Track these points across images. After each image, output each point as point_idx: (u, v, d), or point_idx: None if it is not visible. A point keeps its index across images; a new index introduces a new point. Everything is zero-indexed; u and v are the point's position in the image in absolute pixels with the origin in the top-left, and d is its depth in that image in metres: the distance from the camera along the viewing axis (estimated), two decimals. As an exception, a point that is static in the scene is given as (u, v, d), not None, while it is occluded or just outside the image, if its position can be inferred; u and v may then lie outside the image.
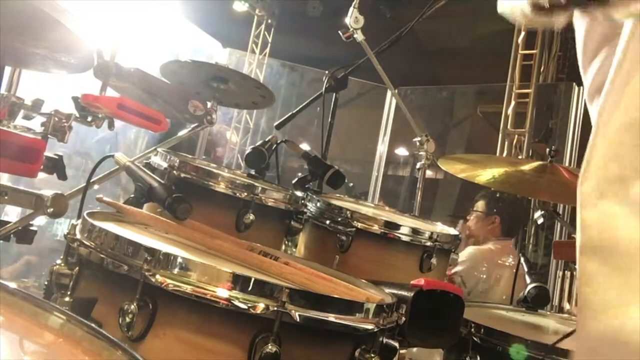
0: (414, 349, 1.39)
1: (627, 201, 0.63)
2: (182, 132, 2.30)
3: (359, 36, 2.17)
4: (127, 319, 0.88)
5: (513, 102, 6.44)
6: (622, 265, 0.63)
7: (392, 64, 2.45)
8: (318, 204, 1.78)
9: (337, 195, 2.04)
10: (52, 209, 1.37)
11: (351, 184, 4.42)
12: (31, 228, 1.45)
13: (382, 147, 6.18)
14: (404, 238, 1.65)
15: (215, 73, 1.98)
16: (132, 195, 1.32)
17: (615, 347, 0.60)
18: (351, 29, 2.16)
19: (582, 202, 0.67)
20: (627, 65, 0.68)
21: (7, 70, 1.47)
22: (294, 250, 1.85)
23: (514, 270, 2.44)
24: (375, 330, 0.98)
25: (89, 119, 1.51)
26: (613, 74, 0.68)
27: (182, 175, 1.60)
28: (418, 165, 2.43)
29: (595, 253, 0.65)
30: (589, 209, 0.66)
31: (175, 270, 0.91)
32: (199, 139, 6.07)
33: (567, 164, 4.69)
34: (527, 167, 2.26)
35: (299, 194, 1.77)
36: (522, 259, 2.22)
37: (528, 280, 2.04)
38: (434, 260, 1.64)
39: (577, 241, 0.67)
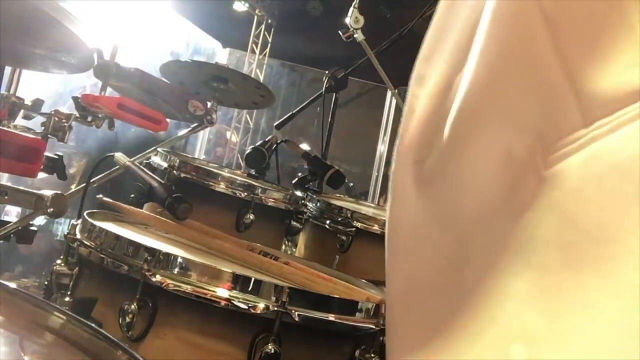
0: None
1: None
2: (182, 132, 2.30)
3: (359, 36, 2.17)
4: (127, 319, 0.89)
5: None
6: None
7: (392, 64, 2.44)
8: (318, 204, 1.78)
9: (337, 195, 2.04)
10: (52, 209, 1.36)
11: (351, 184, 4.42)
12: (31, 228, 1.45)
13: (382, 147, 6.18)
14: (404, 238, 1.65)
15: (215, 73, 1.98)
16: (132, 195, 1.32)
17: None
18: (351, 29, 2.16)
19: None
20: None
21: (7, 70, 1.47)
22: (294, 250, 1.85)
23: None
24: (375, 330, 0.98)
25: (89, 119, 1.51)
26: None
27: (182, 175, 1.60)
28: (418, 165, 2.43)
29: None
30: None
31: (175, 270, 0.91)
32: (199, 139, 6.07)
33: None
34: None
35: (299, 194, 1.77)
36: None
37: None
38: (434, 260, 1.64)
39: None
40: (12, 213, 3.09)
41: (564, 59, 0.46)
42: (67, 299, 0.98)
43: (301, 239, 1.83)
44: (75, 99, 1.50)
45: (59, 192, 1.40)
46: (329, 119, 2.42)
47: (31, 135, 1.38)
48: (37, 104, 1.45)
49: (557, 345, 0.43)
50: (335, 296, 0.98)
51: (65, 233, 1.06)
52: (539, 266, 0.45)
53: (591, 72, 0.44)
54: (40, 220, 2.62)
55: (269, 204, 1.64)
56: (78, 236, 1.03)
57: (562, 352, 0.43)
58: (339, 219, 1.68)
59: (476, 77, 0.53)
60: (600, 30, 0.45)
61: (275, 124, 2.52)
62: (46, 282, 1.03)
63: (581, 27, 0.46)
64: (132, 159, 1.45)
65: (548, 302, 0.44)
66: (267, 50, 6.22)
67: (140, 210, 1.31)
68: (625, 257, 0.41)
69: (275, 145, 1.94)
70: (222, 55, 6.30)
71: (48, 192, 1.38)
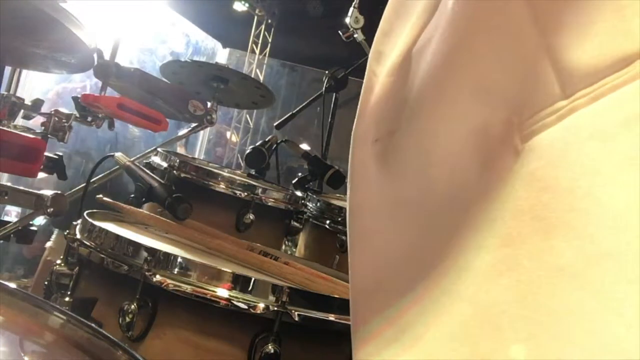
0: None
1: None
2: (182, 132, 2.30)
3: (359, 36, 2.17)
4: (127, 319, 0.89)
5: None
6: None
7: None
8: (318, 204, 1.78)
9: (337, 195, 2.04)
10: (52, 209, 1.36)
11: (351, 184, 4.41)
12: (31, 228, 1.45)
13: (382, 147, 6.17)
14: (404, 238, 1.65)
15: (215, 73, 1.98)
16: (132, 195, 1.32)
17: None
18: (351, 29, 2.16)
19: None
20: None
21: (7, 70, 1.47)
22: (294, 250, 1.85)
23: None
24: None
25: (89, 119, 1.51)
26: None
27: (182, 175, 1.60)
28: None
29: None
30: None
31: (175, 270, 0.91)
32: (199, 138, 6.07)
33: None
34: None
35: (299, 194, 1.77)
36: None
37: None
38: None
39: None
40: (12, 213, 3.10)
41: (542, 29, 0.44)
42: (67, 299, 0.98)
43: (301, 239, 1.83)
44: (75, 99, 1.50)
45: (59, 192, 1.40)
46: (329, 119, 2.42)
47: (31, 135, 1.38)
48: (37, 104, 1.45)
49: (528, 316, 0.41)
50: (335, 296, 0.98)
51: (65, 233, 1.06)
52: (508, 236, 0.43)
53: (571, 43, 0.42)
54: (40, 220, 2.62)
55: (269, 204, 1.64)
56: (78, 236, 1.03)
57: (534, 324, 0.41)
58: (339, 219, 1.68)
59: (444, 47, 0.50)
60: None
61: (275, 124, 2.52)
62: (46, 282, 1.03)
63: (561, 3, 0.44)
64: (132, 159, 1.45)
65: (516, 272, 0.42)
66: (267, 50, 6.21)
67: (140, 210, 1.31)
68: (597, 213, 0.40)
69: (275, 145, 1.94)
70: (222, 55, 6.30)
71: (48, 192, 1.38)
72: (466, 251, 0.45)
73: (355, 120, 0.61)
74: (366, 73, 0.61)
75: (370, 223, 0.58)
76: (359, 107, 0.61)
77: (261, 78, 6.02)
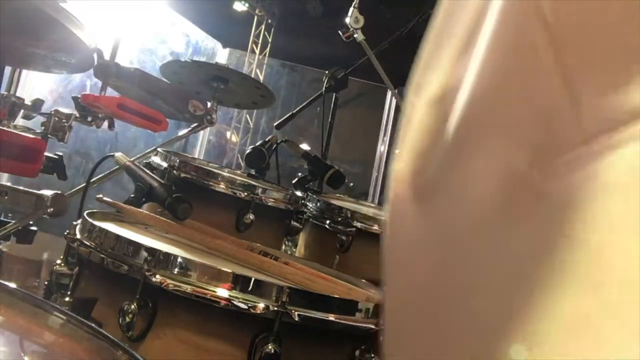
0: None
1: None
2: (182, 132, 2.30)
3: (359, 36, 2.17)
4: (127, 319, 0.88)
5: (513, 102, 6.42)
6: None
7: (392, 64, 2.44)
8: (318, 204, 1.78)
9: (337, 195, 2.04)
10: (52, 209, 1.36)
11: (351, 184, 4.42)
12: (31, 228, 1.45)
13: (382, 147, 6.19)
14: (404, 238, 1.65)
15: (215, 73, 1.98)
16: (132, 195, 1.32)
17: None
18: (351, 29, 2.16)
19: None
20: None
21: (7, 70, 1.47)
22: (294, 250, 1.85)
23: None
24: (375, 330, 0.98)
25: (89, 119, 1.51)
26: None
27: (182, 175, 1.60)
28: (418, 165, 2.43)
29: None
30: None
31: (175, 270, 0.91)
32: (199, 139, 6.07)
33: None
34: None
35: (299, 194, 1.77)
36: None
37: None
38: (434, 260, 1.64)
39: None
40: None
41: (567, 77, 0.45)
42: (67, 299, 0.98)
43: (301, 239, 1.83)
44: (75, 99, 1.50)
45: (59, 192, 1.40)
46: (329, 119, 2.42)
47: (31, 135, 1.38)
48: (37, 104, 1.45)
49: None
50: (335, 296, 0.98)
51: (65, 233, 1.06)
52: (530, 280, 0.44)
53: (594, 93, 0.44)
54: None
55: (269, 204, 1.64)
56: (78, 236, 1.03)
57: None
58: (339, 219, 1.68)
59: (478, 89, 0.52)
60: (607, 52, 0.44)
61: (275, 124, 2.52)
62: (46, 282, 1.03)
63: (587, 49, 0.45)
64: (132, 159, 1.45)
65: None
66: (267, 50, 6.21)
67: (140, 210, 1.31)
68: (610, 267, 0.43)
69: (275, 145, 1.94)
70: (222, 55, 6.30)
71: (48, 192, 1.38)
72: (491, 290, 0.47)
73: (396, 150, 0.63)
74: (406, 105, 0.63)
75: (406, 254, 0.60)
76: (399, 137, 0.63)
77: (261, 78, 6.02)
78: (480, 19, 0.56)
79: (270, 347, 0.87)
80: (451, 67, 0.59)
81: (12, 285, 0.68)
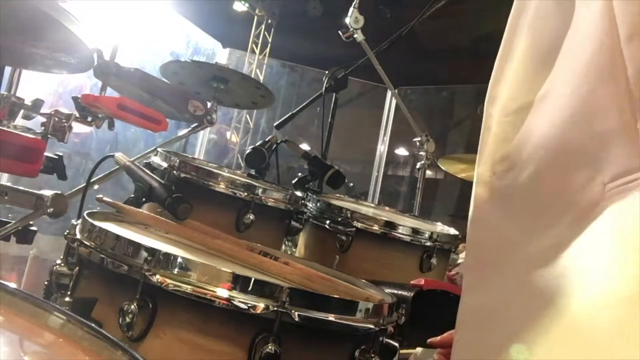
0: (418, 349, 1.39)
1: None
2: (182, 132, 2.30)
3: (359, 36, 2.17)
4: (127, 319, 0.88)
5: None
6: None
7: (392, 64, 2.45)
8: (318, 204, 1.78)
9: (337, 195, 2.04)
10: (52, 209, 1.36)
11: (351, 184, 4.42)
12: (31, 228, 1.45)
13: (382, 147, 6.19)
14: (404, 238, 1.65)
15: (215, 73, 1.98)
16: (132, 195, 1.32)
17: None
18: (351, 29, 2.16)
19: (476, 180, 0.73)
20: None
21: (7, 70, 1.47)
22: (294, 250, 1.85)
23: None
24: (375, 330, 0.98)
25: (89, 119, 1.51)
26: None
27: (182, 175, 1.60)
28: (418, 165, 2.44)
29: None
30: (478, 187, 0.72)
31: (175, 270, 0.91)
32: (199, 139, 6.07)
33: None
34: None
35: (299, 194, 1.77)
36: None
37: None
38: (434, 260, 1.64)
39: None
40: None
41: (636, 117, 0.54)
42: (67, 299, 0.98)
43: (301, 239, 1.83)
44: (75, 99, 1.50)
45: (59, 192, 1.40)
46: (329, 119, 2.42)
47: (31, 135, 1.38)
48: (37, 104, 1.45)
49: None
50: (335, 296, 0.98)
51: (65, 233, 1.06)
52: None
53: None
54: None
55: (269, 204, 1.64)
56: (78, 236, 1.03)
57: None
58: (339, 219, 1.68)
59: (559, 112, 0.61)
60: None
61: (275, 124, 2.52)
62: (46, 282, 1.03)
63: None
64: (132, 159, 1.45)
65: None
66: (267, 50, 6.21)
67: (140, 210, 1.31)
68: None
69: (275, 145, 1.94)
70: (222, 55, 6.30)
71: (48, 192, 1.38)
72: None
73: (477, 157, 0.73)
74: (484, 116, 0.73)
75: (493, 251, 0.70)
76: (480, 144, 0.73)
77: (261, 78, 6.02)
78: (556, 46, 0.63)
79: (270, 347, 0.87)
80: (529, 82, 0.66)
81: (12, 285, 0.68)
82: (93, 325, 0.64)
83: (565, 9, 0.63)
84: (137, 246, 0.95)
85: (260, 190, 1.62)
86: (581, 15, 0.61)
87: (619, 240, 0.53)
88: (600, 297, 0.52)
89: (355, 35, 2.17)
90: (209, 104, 2.00)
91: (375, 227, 1.65)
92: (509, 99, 0.69)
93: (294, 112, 2.46)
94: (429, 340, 0.93)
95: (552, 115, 0.61)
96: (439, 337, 0.91)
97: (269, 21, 6.11)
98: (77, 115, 1.48)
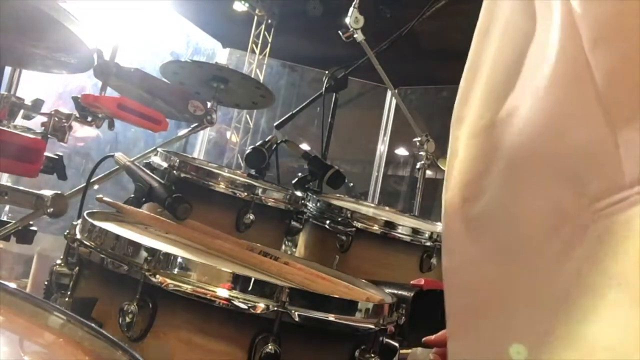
0: (418, 350, 1.39)
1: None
2: (182, 132, 2.30)
3: (359, 36, 2.17)
4: (127, 319, 0.88)
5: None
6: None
7: (392, 64, 2.44)
8: (318, 204, 1.78)
9: (337, 195, 2.04)
10: (52, 209, 1.36)
11: (351, 184, 4.42)
12: (31, 228, 1.45)
13: (382, 147, 6.19)
14: (404, 238, 1.65)
15: (215, 73, 1.98)
16: (132, 195, 1.32)
17: None
18: (351, 29, 2.16)
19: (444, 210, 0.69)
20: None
21: (7, 70, 1.47)
22: (294, 250, 1.85)
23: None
24: (375, 330, 0.98)
25: (89, 119, 1.51)
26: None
27: (182, 175, 1.60)
28: (418, 165, 2.44)
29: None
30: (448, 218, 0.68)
31: (175, 270, 0.91)
32: (199, 139, 6.07)
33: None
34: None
35: (299, 194, 1.77)
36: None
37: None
38: (434, 260, 1.64)
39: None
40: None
41: (612, 128, 0.50)
42: (67, 299, 0.98)
43: (301, 239, 1.83)
44: (75, 99, 1.50)
45: (59, 192, 1.40)
46: (329, 119, 2.42)
47: (31, 135, 1.38)
48: (37, 104, 1.45)
49: None
50: (335, 296, 0.98)
51: (65, 233, 1.06)
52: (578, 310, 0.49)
53: (634, 139, 0.48)
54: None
55: (269, 204, 1.64)
56: (78, 236, 1.03)
57: None
58: (339, 219, 1.68)
59: (529, 129, 0.56)
60: None
61: (275, 124, 2.52)
62: (46, 282, 1.03)
63: (630, 104, 0.50)
64: (132, 159, 1.45)
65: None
66: (267, 50, 6.21)
67: (140, 210, 1.31)
68: None
69: (275, 145, 1.94)
70: (222, 55, 6.30)
71: (48, 192, 1.38)
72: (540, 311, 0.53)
73: (444, 183, 0.68)
74: (450, 139, 0.68)
75: (463, 276, 0.66)
76: (446, 172, 0.68)
77: (261, 78, 6.02)
78: (520, 59, 0.60)
79: (270, 347, 0.87)
80: (494, 99, 0.63)
81: (12, 285, 0.68)
82: (93, 325, 0.64)
83: (529, 20, 0.59)
84: (137, 246, 0.95)
85: (260, 190, 1.62)
86: (542, 24, 0.57)
87: (619, 271, 0.48)
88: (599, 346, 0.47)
89: (355, 35, 2.17)
90: (209, 104, 2.00)
91: (375, 227, 1.65)
92: (476, 118, 0.64)
93: (294, 112, 2.46)
94: (424, 339, 0.91)
95: (521, 131, 0.57)
96: (433, 336, 0.89)
97: (269, 21, 6.11)
98: (77, 115, 1.48)
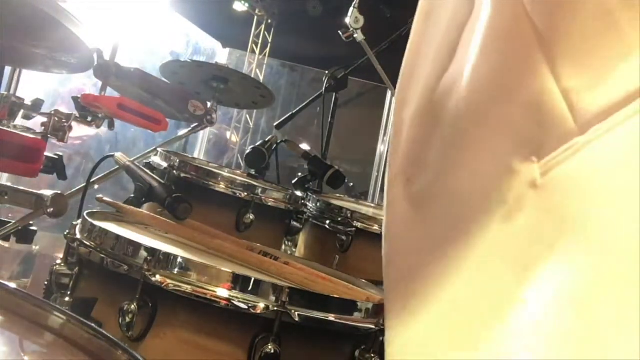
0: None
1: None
2: (182, 132, 2.30)
3: (359, 36, 2.17)
4: (127, 319, 0.88)
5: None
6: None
7: (392, 64, 2.44)
8: (318, 204, 1.78)
9: (337, 195, 2.04)
10: (52, 209, 1.36)
11: (351, 184, 4.42)
12: (31, 228, 1.45)
13: (382, 147, 6.18)
14: (404, 238, 1.65)
15: (215, 73, 1.98)
16: (132, 195, 1.32)
17: None
18: (351, 29, 2.16)
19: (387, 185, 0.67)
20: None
21: (7, 70, 1.47)
22: (294, 250, 1.85)
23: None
24: (375, 330, 0.98)
25: (89, 119, 1.51)
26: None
27: (182, 175, 1.60)
28: (418, 165, 2.43)
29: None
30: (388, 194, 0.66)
31: (175, 270, 0.91)
32: (199, 139, 6.07)
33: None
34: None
35: (299, 194, 1.77)
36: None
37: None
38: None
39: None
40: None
41: (557, 75, 0.48)
42: (67, 299, 0.98)
43: (301, 239, 1.83)
44: (75, 99, 1.50)
45: (59, 192, 1.40)
46: (329, 119, 2.42)
47: (31, 135, 1.38)
48: (37, 104, 1.45)
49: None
50: (335, 296, 0.98)
51: (65, 233, 1.06)
52: (531, 263, 0.47)
53: (586, 86, 0.47)
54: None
55: (269, 204, 1.64)
56: (78, 236, 1.03)
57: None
58: (339, 219, 1.68)
59: (471, 95, 0.54)
60: (591, 45, 0.47)
61: (275, 124, 2.52)
62: (46, 282, 1.03)
63: (573, 44, 0.48)
64: (132, 159, 1.45)
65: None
66: (267, 50, 6.21)
67: (140, 210, 1.31)
68: (608, 239, 0.43)
69: (275, 145, 1.94)
70: (222, 55, 6.29)
71: (48, 192, 1.38)
72: (493, 279, 0.50)
73: (388, 163, 0.66)
74: (394, 120, 0.66)
75: (405, 255, 0.64)
76: (390, 150, 0.66)
77: (261, 78, 6.02)
78: (458, 31, 0.58)
79: (270, 347, 0.87)
80: (430, 78, 0.61)
81: (12, 285, 0.68)
82: (93, 325, 0.64)
83: (468, 2, 0.57)
84: (137, 246, 0.95)
85: (260, 190, 1.62)
86: (479, 3, 0.56)
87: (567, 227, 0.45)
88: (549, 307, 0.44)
89: (355, 35, 2.17)
90: (209, 104, 2.00)
91: (375, 227, 1.65)
92: (419, 99, 0.62)
93: (294, 112, 2.46)
94: None
95: (463, 99, 0.54)
96: None
97: (269, 21, 6.11)
98: (77, 115, 1.48)
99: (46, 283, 1.03)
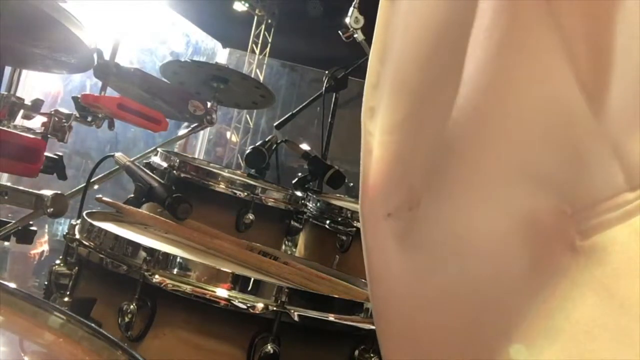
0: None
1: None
2: (182, 132, 2.30)
3: (359, 36, 2.17)
4: (127, 319, 0.88)
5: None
6: None
7: (392, 64, 2.44)
8: (318, 204, 1.78)
9: (337, 195, 2.04)
10: (52, 209, 1.36)
11: (351, 184, 4.42)
12: (31, 228, 1.45)
13: (382, 147, 6.16)
14: (404, 238, 1.65)
15: (215, 73, 1.98)
16: (132, 195, 1.32)
17: None
18: (351, 29, 2.16)
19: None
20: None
21: (7, 70, 1.47)
22: (294, 250, 1.85)
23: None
24: (375, 330, 0.98)
25: (89, 119, 1.51)
26: None
27: (182, 175, 1.60)
28: (418, 165, 2.43)
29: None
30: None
31: (175, 270, 0.91)
32: (199, 139, 6.07)
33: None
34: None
35: (299, 194, 1.77)
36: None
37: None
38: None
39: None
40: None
41: (599, 118, 0.38)
42: (66, 299, 0.98)
43: (301, 239, 1.83)
44: (75, 99, 1.50)
45: (59, 192, 1.39)
46: (329, 119, 2.42)
47: (31, 135, 1.38)
48: (37, 104, 1.44)
49: None
50: (335, 296, 0.98)
51: (65, 233, 1.06)
52: (578, 352, 0.38)
53: (633, 133, 0.37)
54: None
55: (269, 204, 1.64)
56: (77, 236, 1.03)
57: None
58: (339, 219, 1.68)
59: (477, 119, 0.43)
60: None
61: (275, 124, 2.52)
62: (46, 282, 1.03)
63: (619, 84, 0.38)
64: (132, 159, 1.45)
65: None
66: (267, 50, 6.21)
67: (140, 210, 1.31)
68: None
69: (275, 145, 1.94)
70: (222, 55, 6.30)
71: (48, 192, 1.38)
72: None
73: (360, 189, 0.54)
74: (362, 134, 0.53)
75: (396, 297, 0.54)
76: (361, 175, 0.53)
77: (261, 78, 6.02)
78: (460, 33, 0.46)
79: (269, 347, 0.87)
80: (409, 85, 0.50)
81: (12, 285, 0.68)
82: (93, 325, 0.64)
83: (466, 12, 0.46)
84: (137, 246, 0.95)
85: (260, 190, 1.62)
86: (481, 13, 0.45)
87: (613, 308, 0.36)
88: None
89: (355, 35, 2.16)
90: (209, 104, 2.00)
91: (375, 227, 1.65)
92: (390, 111, 0.50)
93: (294, 112, 2.46)
94: None
95: (467, 119, 0.43)
96: None
97: (269, 21, 6.11)
98: (77, 115, 1.48)
99: (46, 283, 1.03)
